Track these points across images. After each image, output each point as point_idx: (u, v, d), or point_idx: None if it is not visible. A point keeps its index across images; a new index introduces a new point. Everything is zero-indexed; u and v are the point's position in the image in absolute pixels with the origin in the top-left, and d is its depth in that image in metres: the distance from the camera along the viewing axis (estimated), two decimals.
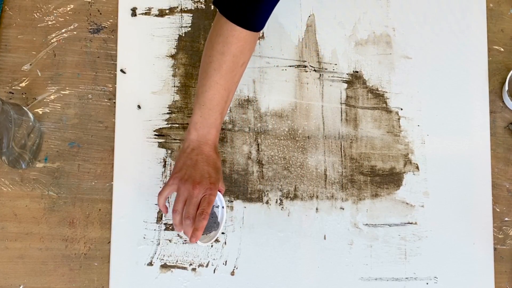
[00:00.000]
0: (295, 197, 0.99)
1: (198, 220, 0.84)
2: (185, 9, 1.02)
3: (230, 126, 1.00)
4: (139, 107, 1.00)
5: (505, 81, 1.01)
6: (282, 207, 0.99)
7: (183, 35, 1.01)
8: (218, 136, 0.89)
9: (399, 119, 1.02)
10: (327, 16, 1.03)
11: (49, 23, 1.01)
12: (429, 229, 1.00)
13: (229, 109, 1.00)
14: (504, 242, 1.01)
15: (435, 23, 1.04)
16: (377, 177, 1.00)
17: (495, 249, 1.00)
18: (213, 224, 0.91)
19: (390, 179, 1.01)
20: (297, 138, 1.00)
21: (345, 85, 1.02)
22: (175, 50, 1.01)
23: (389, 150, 1.01)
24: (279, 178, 0.99)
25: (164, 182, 0.98)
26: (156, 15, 1.02)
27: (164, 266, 0.97)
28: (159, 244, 0.97)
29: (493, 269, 1.00)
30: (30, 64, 1.00)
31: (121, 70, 1.00)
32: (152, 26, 1.01)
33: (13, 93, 0.99)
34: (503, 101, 1.04)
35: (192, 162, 0.87)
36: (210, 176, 0.86)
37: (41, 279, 0.96)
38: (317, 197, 0.99)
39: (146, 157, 0.99)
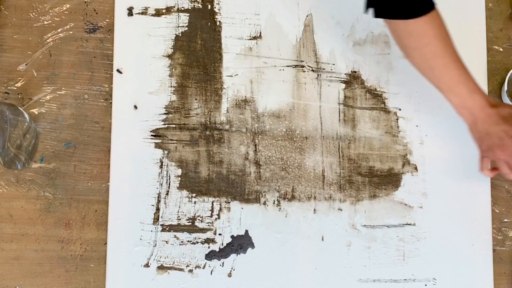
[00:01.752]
0: (292, 198, 1.00)
1: None
2: (182, 8, 1.03)
3: (227, 127, 1.01)
4: (135, 107, 1.00)
5: (504, 81, 1.01)
6: (280, 208, 0.99)
7: (180, 35, 1.02)
8: (485, 98, 0.88)
9: (397, 119, 1.03)
10: (325, 16, 1.04)
11: (45, 22, 1.02)
12: (428, 230, 1.00)
13: (226, 109, 1.01)
14: (503, 243, 1.02)
15: None
16: (375, 178, 1.01)
17: (494, 250, 1.01)
18: None
19: (388, 180, 1.01)
20: (294, 139, 1.01)
21: (343, 85, 1.03)
22: (172, 50, 1.02)
23: (387, 150, 1.02)
24: (276, 179, 1.00)
25: (160, 183, 0.99)
26: (152, 15, 1.02)
27: (161, 268, 0.97)
28: (155, 245, 0.98)
29: (492, 271, 1.00)
30: (26, 64, 1.01)
31: (118, 70, 1.01)
32: (148, 26, 1.02)
33: (8, 93, 1.00)
34: (502, 101, 1.04)
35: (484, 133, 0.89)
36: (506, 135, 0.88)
37: (37, 280, 0.97)
38: (315, 198, 1.00)
39: (143, 158, 0.99)
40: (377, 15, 0.84)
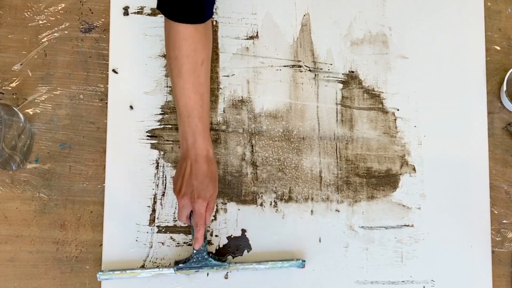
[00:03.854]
0: (289, 199, 1.01)
1: (195, 231, 0.92)
2: None
3: (223, 127, 1.02)
4: (131, 107, 1.01)
5: (503, 81, 1.02)
6: (277, 210, 1.00)
7: None
8: (208, 145, 0.90)
9: (395, 120, 1.04)
10: (322, 15, 1.05)
11: (40, 22, 1.03)
12: (426, 232, 1.01)
13: (222, 109, 1.01)
14: (502, 244, 1.02)
15: (432, 22, 1.06)
16: (373, 178, 1.02)
17: (493, 252, 1.02)
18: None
19: (386, 181, 1.02)
20: (291, 139, 1.02)
21: (341, 85, 1.04)
22: None
23: (385, 151, 1.03)
24: (273, 180, 1.01)
25: (157, 184, 1.00)
26: (148, 14, 1.03)
27: None
28: (151, 247, 0.98)
29: (491, 273, 1.01)
30: (21, 64, 1.02)
31: (113, 70, 1.02)
32: (144, 25, 1.03)
33: (3, 94, 1.01)
34: (501, 102, 1.05)
35: (182, 173, 0.90)
36: (195, 190, 0.89)
37: (32, 282, 0.97)
38: (312, 199, 1.01)
39: (139, 159, 1.00)
40: (157, 6, 0.86)
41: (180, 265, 0.95)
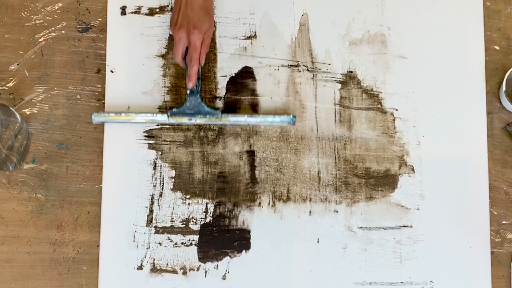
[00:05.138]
0: (288, 199, 1.01)
1: (189, 66, 0.94)
2: None
3: (221, 127, 1.02)
4: (128, 107, 1.02)
5: (503, 81, 1.02)
6: (275, 210, 1.01)
7: None
8: None
9: (394, 120, 1.04)
10: (321, 15, 1.05)
11: (37, 22, 1.03)
12: (425, 233, 1.02)
13: (221, 109, 1.02)
14: (501, 245, 1.03)
15: (431, 22, 1.06)
16: (371, 179, 1.03)
17: (492, 253, 1.02)
18: None
19: (385, 181, 1.03)
20: (290, 140, 1.03)
21: (339, 86, 1.04)
22: (166, 49, 1.03)
23: (384, 151, 1.03)
24: (271, 180, 1.01)
25: (154, 184, 1.00)
26: (146, 14, 1.04)
27: (154, 270, 0.99)
28: (149, 247, 0.99)
29: (490, 273, 1.01)
30: (18, 64, 1.02)
31: (110, 70, 1.02)
32: (142, 25, 1.03)
33: None
34: (500, 102, 1.06)
35: (178, 6, 0.92)
36: (191, 21, 0.91)
37: (28, 283, 0.98)
38: (310, 199, 1.01)
39: (136, 159, 1.01)
40: None
41: (173, 110, 0.97)
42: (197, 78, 0.95)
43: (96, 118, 0.97)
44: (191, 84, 0.94)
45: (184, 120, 0.98)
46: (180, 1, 0.92)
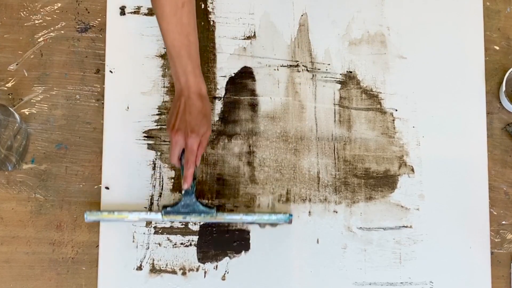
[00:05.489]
0: (287, 200, 1.01)
1: (185, 168, 0.92)
2: None
3: (221, 128, 1.02)
4: (128, 108, 1.02)
5: (502, 81, 1.02)
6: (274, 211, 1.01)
7: None
8: (200, 82, 0.92)
9: (393, 120, 1.04)
10: (320, 15, 1.05)
11: (36, 22, 1.03)
12: (425, 233, 1.02)
13: (220, 109, 1.02)
14: (501, 246, 1.03)
15: (431, 22, 1.06)
16: (371, 179, 1.03)
17: (492, 253, 1.02)
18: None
19: (384, 182, 1.03)
20: (289, 140, 1.03)
21: (339, 86, 1.04)
22: (165, 49, 1.03)
23: (383, 152, 1.03)
24: (271, 181, 1.02)
25: (153, 184, 1.00)
26: (145, 14, 1.04)
27: (154, 271, 0.99)
28: (148, 248, 0.99)
29: (490, 274, 1.01)
30: (17, 64, 1.02)
31: (110, 70, 1.02)
32: (141, 25, 1.04)
33: None
34: (500, 102, 1.06)
35: (176, 110, 0.91)
36: (188, 125, 0.90)
37: (27, 283, 0.98)
38: (310, 200, 1.01)
39: (135, 159, 1.01)
40: None
41: (168, 209, 0.96)
42: (192, 179, 0.94)
43: (89, 217, 0.96)
44: (186, 185, 0.93)
45: (178, 218, 0.96)
46: (178, 105, 0.91)
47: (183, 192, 0.95)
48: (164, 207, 0.96)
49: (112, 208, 0.99)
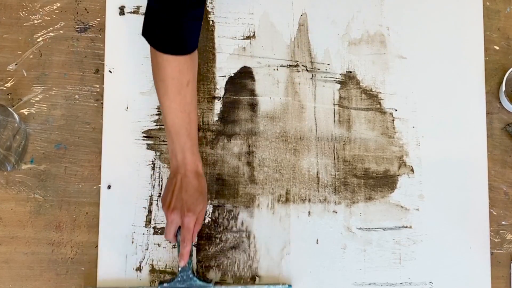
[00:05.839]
0: (287, 200, 1.01)
1: (181, 246, 0.91)
2: None
3: (220, 128, 1.02)
4: (127, 108, 1.02)
5: (502, 81, 1.02)
6: (274, 211, 1.01)
7: None
8: (197, 160, 0.93)
9: (393, 120, 1.04)
10: (320, 15, 1.05)
11: (35, 22, 1.03)
12: (424, 233, 1.02)
13: (219, 109, 1.02)
14: (501, 246, 1.03)
15: (430, 22, 1.06)
16: (371, 179, 1.03)
17: (492, 253, 1.02)
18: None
19: (384, 182, 1.03)
20: (289, 140, 1.03)
21: (338, 86, 1.04)
22: None
23: (383, 152, 1.04)
24: (270, 181, 1.02)
25: (153, 185, 1.00)
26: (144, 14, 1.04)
27: (153, 271, 0.99)
28: (147, 248, 0.99)
29: (490, 274, 1.02)
30: (16, 64, 1.02)
31: (109, 70, 1.02)
32: (140, 25, 1.01)
33: None
34: (500, 102, 1.06)
35: (172, 188, 0.91)
36: (185, 203, 0.90)
37: (27, 284, 0.98)
38: (309, 200, 1.01)
39: (135, 159, 1.01)
40: (143, 33, 0.89)
41: (164, 284, 0.94)
42: (189, 256, 0.93)
43: None
44: (183, 262, 0.91)
45: None
46: (174, 183, 0.91)
47: (179, 268, 0.94)
48: (161, 282, 0.95)
49: (113, 208, 0.99)
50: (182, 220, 0.90)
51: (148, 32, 0.88)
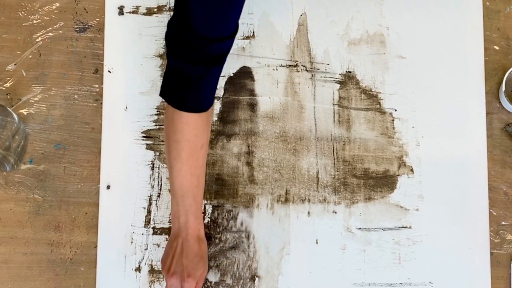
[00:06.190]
0: (286, 200, 1.01)
1: None
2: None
3: (220, 128, 1.02)
4: (126, 108, 1.02)
5: (502, 81, 1.02)
6: (273, 211, 1.01)
7: None
8: (200, 224, 0.92)
9: (393, 120, 1.04)
10: (319, 15, 1.06)
11: (34, 22, 1.03)
12: (424, 233, 1.02)
13: (219, 109, 1.02)
14: (501, 246, 1.03)
15: (430, 21, 1.06)
16: (370, 180, 1.03)
17: (491, 253, 1.02)
18: None
19: (384, 182, 1.03)
20: (288, 140, 1.03)
21: (338, 86, 1.04)
22: (163, 49, 1.03)
23: (383, 152, 1.04)
24: (270, 181, 1.02)
25: (152, 185, 1.00)
26: (144, 14, 1.04)
27: (153, 272, 0.99)
28: (147, 248, 0.99)
29: (490, 274, 1.02)
30: (15, 64, 1.02)
31: (108, 70, 1.02)
32: (140, 25, 1.04)
33: None
34: (499, 102, 1.06)
35: (173, 252, 0.90)
36: (185, 269, 0.89)
37: (26, 284, 0.98)
38: (309, 200, 1.01)
39: (134, 160, 1.01)
40: (161, 93, 0.89)
41: None
42: None
43: None
44: None
45: None
46: (174, 247, 0.90)
47: None
48: None
49: (112, 208, 0.99)
50: (182, 285, 0.89)
51: (167, 91, 0.87)
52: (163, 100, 0.89)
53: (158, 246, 0.99)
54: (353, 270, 1.01)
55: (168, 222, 1.00)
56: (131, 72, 1.03)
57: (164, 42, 0.88)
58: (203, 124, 0.89)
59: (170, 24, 0.85)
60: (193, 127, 0.88)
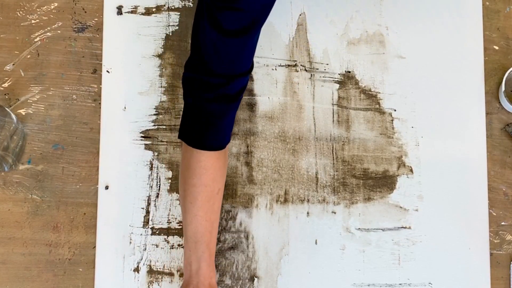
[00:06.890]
0: (285, 201, 1.01)
1: None
2: (172, 7, 1.04)
3: None
4: (125, 108, 1.02)
5: (502, 81, 1.02)
6: (272, 211, 1.01)
7: (170, 34, 1.04)
8: (212, 272, 0.90)
9: (392, 120, 1.04)
10: (319, 15, 1.06)
11: (33, 21, 1.03)
12: (424, 234, 1.02)
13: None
14: (500, 247, 1.03)
15: (430, 21, 1.06)
16: (369, 180, 1.03)
17: (491, 254, 1.02)
18: None
19: (383, 182, 1.03)
20: (287, 140, 1.03)
21: (337, 86, 1.04)
22: (162, 49, 1.03)
23: (382, 152, 1.04)
24: (269, 182, 1.02)
25: (151, 185, 1.00)
26: (142, 14, 1.04)
27: (151, 272, 0.99)
28: (145, 249, 0.99)
29: (489, 275, 1.02)
30: (13, 64, 1.02)
31: (107, 70, 1.02)
32: (138, 25, 1.04)
33: None
34: (499, 102, 1.06)
35: None
36: None
37: (24, 285, 0.98)
38: (308, 201, 1.02)
39: (132, 160, 1.01)
40: (179, 135, 0.89)
41: None
42: None
43: None
44: None
45: None
46: None
47: None
48: None
49: (110, 208, 0.99)
50: None
51: (186, 132, 0.88)
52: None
53: (157, 247, 0.99)
54: (353, 270, 1.01)
55: (167, 222, 1.00)
56: (130, 72, 1.03)
57: (181, 84, 0.89)
58: (220, 168, 0.89)
59: (187, 65, 0.86)
60: (211, 171, 0.88)
